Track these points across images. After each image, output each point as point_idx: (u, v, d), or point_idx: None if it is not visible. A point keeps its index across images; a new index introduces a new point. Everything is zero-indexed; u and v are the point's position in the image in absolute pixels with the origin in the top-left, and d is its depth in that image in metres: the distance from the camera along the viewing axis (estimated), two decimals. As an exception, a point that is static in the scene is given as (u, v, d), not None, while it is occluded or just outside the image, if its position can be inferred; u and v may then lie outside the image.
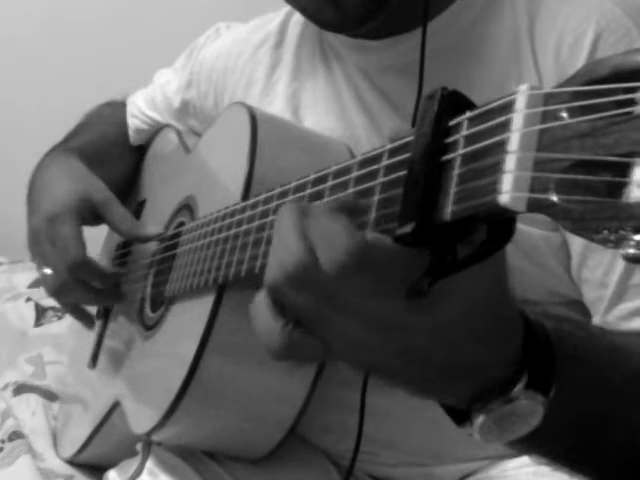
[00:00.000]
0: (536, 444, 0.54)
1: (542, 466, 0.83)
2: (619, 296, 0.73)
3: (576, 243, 0.75)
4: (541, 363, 0.49)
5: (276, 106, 0.92)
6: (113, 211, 0.97)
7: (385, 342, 0.47)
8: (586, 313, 0.77)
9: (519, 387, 0.48)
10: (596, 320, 0.75)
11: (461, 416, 0.50)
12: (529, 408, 0.49)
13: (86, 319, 1.05)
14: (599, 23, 0.74)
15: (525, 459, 0.86)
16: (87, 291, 0.98)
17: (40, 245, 0.97)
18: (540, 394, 0.49)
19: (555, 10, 0.77)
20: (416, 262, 0.44)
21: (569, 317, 0.74)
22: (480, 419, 0.49)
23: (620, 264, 0.72)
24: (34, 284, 1.44)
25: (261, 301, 0.49)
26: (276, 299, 0.48)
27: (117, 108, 1.17)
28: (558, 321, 0.53)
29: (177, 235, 0.91)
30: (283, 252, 0.46)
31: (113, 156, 1.14)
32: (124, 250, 1.09)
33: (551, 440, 0.54)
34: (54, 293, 1.00)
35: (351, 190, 0.50)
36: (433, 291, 0.44)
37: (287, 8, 0.96)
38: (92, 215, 0.98)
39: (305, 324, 0.48)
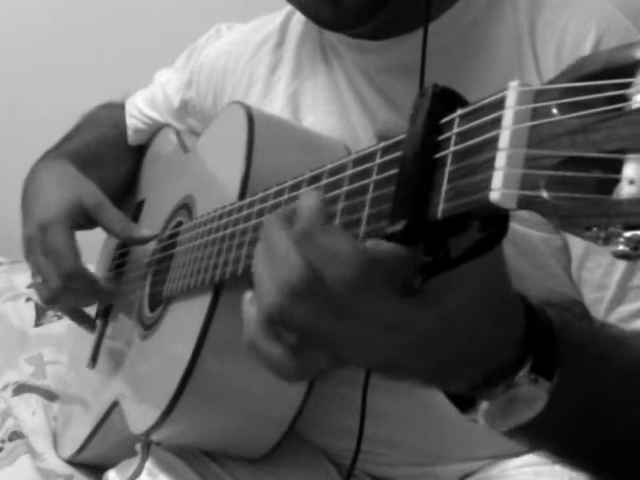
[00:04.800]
0: (538, 433, 0.54)
1: (542, 466, 0.83)
2: (619, 298, 0.73)
3: (576, 245, 0.75)
4: (545, 348, 0.50)
5: (276, 106, 0.92)
6: (106, 213, 0.97)
7: (394, 341, 0.47)
8: (587, 315, 0.77)
9: (523, 372, 0.49)
10: (596, 322, 0.75)
11: (465, 403, 0.51)
12: (532, 393, 0.49)
13: (87, 322, 1.04)
14: (600, 26, 0.73)
15: (526, 459, 0.85)
16: (81, 299, 0.98)
17: (34, 254, 0.97)
18: (544, 379, 0.49)
19: (556, 12, 0.76)
20: (409, 260, 0.44)
21: (570, 307, 0.74)
22: (484, 404, 0.50)
23: (620, 266, 0.72)
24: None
25: (255, 333, 0.49)
26: (274, 322, 0.48)
27: (115, 110, 1.17)
28: (560, 310, 0.53)
29: (175, 235, 0.91)
30: (283, 271, 0.46)
31: (109, 158, 1.13)
32: (123, 250, 1.09)
33: (553, 430, 0.54)
34: (47, 301, 0.99)
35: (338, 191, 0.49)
36: (433, 285, 0.44)
37: (288, 8, 0.96)
38: (85, 219, 0.98)
39: (310, 340, 0.48)
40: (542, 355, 0.50)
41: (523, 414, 0.50)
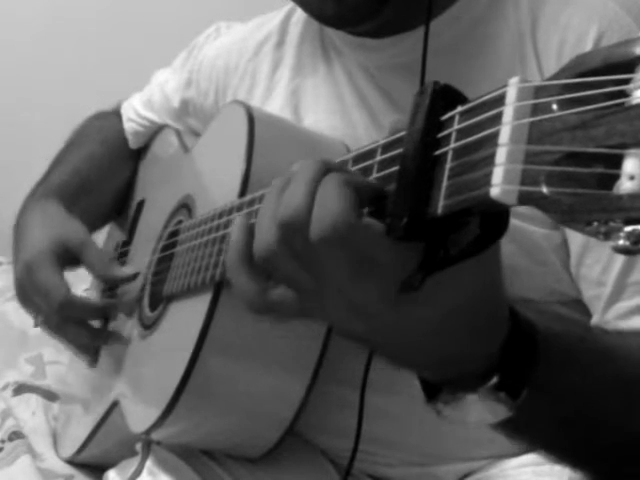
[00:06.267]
0: (515, 433, 0.55)
1: (542, 466, 0.83)
2: (617, 294, 0.73)
3: (575, 241, 0.75)
4: (516, 366, 0.50)
5: (277, 104, 0.92)
6: (88, 253, 0.96)
7: (371, 329, 0.48)
8: (587, 312, 0.77)
9: (487, 386, 0.49)
10: (595, 319, 0.75)
11: (433, 391, 0.52)
12: (493, 406, 0.50)
13: (92, 356, 1.03)
14: (601, 23, 0.74)
15: (525, 459, 0.85)
16: (80, 328, 0.97)
17: (27, 295, 0.98)
18: (508, 396, 0.49)
19: (558, 10, 0.77)
20: (408, 256, 0.44)
21: (563, 316, 0.74)
22: (446, 402, 0.51)
23: (618, 262, 0.72)
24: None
25: (236, 263, 0.51)
26: (260, 261, 0.49)
27: (105, 121, 1.16)
28: (551, 320, 0.53)
29: (175, 234, 0.91)
30: (287, 197, 0.47)
31: (99, 180, 1.13)
32: (123, 250, 1.10)
33: (531, 429, 0.55)
34: (54, 336, 0.99)
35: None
36: (429, 284, 0.44)
37: (287, 7, 0.96)
38: (69, 258, 0.97)
39: (286, 284, 0.49)
40: (511, 374, 0.50)
41: (483, 420, 0.51)
